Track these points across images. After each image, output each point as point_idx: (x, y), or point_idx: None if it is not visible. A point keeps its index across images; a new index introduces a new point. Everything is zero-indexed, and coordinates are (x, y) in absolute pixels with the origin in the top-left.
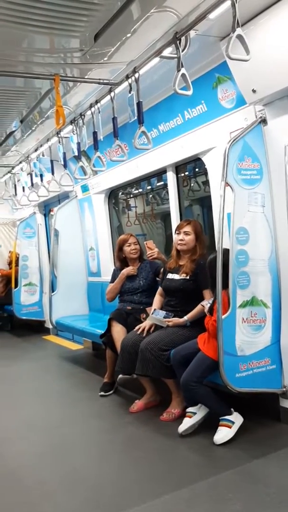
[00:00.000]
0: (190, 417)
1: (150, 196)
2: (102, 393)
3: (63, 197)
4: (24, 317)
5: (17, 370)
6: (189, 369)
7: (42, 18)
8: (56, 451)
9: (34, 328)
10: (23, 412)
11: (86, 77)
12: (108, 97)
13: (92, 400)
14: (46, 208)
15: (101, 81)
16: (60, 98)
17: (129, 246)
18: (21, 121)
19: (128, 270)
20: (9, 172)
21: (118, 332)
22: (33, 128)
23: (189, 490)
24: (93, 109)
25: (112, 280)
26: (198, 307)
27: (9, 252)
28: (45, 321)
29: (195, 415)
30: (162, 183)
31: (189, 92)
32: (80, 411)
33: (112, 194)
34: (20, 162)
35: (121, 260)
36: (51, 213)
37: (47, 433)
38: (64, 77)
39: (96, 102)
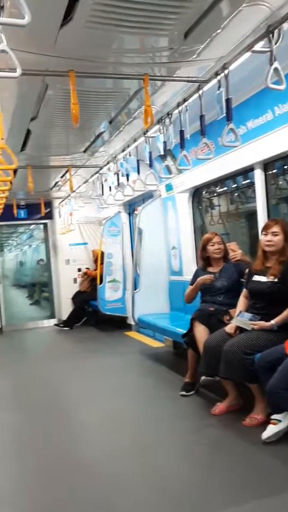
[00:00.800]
0: (274, 424)
1: (235, 194)
2: (183, 392)
3: (147, 197)
4: (107, 313)
5: (100, 363)
6: (277, 376)
7: (133, 19)
8: (137, 447)
9: (117, 323)
10: (105, 406)
11: (174, 75)
12: (195, 95)
13: (173, 399)
14: (131, 207)
15: (190, 79)
16: (149, 97)
17: (213, 245)
18: (110, 122)
19: (204, 278)
20: (96, 172)
21: (201, 332)
22: (121, 129)
23: (272, 500)
24: (180, 107)
25: (193, 281)
26: (287, 311)
27: (92, 251)
28: (127, 317)
29: (281, 422)
30: (248, 181)
31: (282, 87)
32: (161, 409)
33: (196, 193)
34: (108, 163)
35: (205, 260)
36: (135, 212)
37: (129, 429)
38: (153, 77)
39: (184, 100)
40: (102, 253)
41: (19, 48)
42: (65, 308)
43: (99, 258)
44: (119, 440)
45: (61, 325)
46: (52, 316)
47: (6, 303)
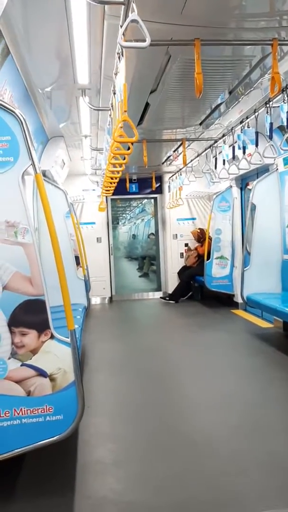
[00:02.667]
0: None
1: None
2: None
3: (261, 171)
4: (214, 289)
5: (207, 339)
6: None
7: None
8: (252, 428)
9: (222, 300)
10: (213, 382)
11: None
12: None
13: (285, 381)
14: (243, 182)
15: None
16: (277, 63)
17: None
18: (230, 93)
19: None
20: (211, 145)
21: None
22: (239, 100)
23: None
24: None
25: None
26: None
27: (191, 232)
28: (234, 295)
29: None
30: None
31: None
32: (275, 391)
33: None
34: (223, 136)
35: None
36: (248, 187)
37: (243, 408)
38: (283, 41)
39: None
40: (202, 230)
41: (146, 18)
42: (171, 282)
43: (207, 235)
44: (232, 419)
45: (167, 298)
46: (158, 289)
47: (117, 274)
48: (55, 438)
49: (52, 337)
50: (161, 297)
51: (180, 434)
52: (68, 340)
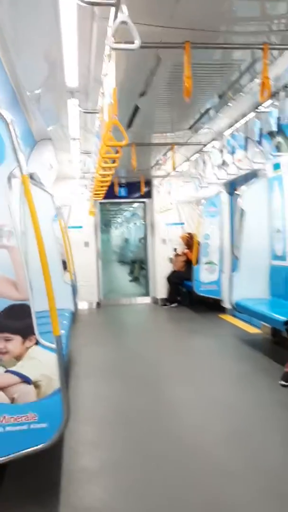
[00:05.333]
0: None
1: None
2: (282, 382)
3: (250, 176)
4: (202, 294)
5: (196, 344)
6: None
7: None
8: (238, 433)
9: (210, 305)
10: (201, 388)
11: None
12: None
13: (273, 387)
14: (232, 187)
15: None
16: (267, 69)
17: None
18: (220, 97)
19: None
20: (200, 150)
21: None
22: (229, 104)
23: None
24: None
25: None
26: None
27: (180, 236)
28: (221, 300)
29: None
30: None
31: None
32: (261, 397)
33: None
34: (214, 140)
35: None
36: (236, 192)
37: (229, 413)
38: (273, 46)
39: None
40: (191, 235)
41: (136, 20)
42: (160, 286)
43: (195, 240)
44: (219, 424)
45: (167, 304)
46: (147, 293)
47: (108, 279)
48: (39, 446)
49: (37, 343)
50: (162, 305)
51: (168, 440)
52: (54, 346)
